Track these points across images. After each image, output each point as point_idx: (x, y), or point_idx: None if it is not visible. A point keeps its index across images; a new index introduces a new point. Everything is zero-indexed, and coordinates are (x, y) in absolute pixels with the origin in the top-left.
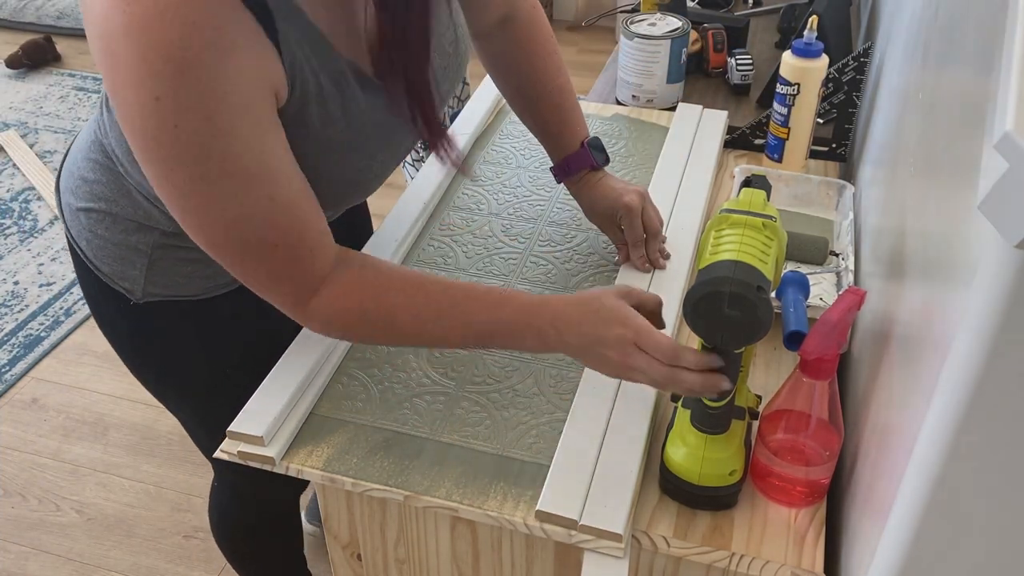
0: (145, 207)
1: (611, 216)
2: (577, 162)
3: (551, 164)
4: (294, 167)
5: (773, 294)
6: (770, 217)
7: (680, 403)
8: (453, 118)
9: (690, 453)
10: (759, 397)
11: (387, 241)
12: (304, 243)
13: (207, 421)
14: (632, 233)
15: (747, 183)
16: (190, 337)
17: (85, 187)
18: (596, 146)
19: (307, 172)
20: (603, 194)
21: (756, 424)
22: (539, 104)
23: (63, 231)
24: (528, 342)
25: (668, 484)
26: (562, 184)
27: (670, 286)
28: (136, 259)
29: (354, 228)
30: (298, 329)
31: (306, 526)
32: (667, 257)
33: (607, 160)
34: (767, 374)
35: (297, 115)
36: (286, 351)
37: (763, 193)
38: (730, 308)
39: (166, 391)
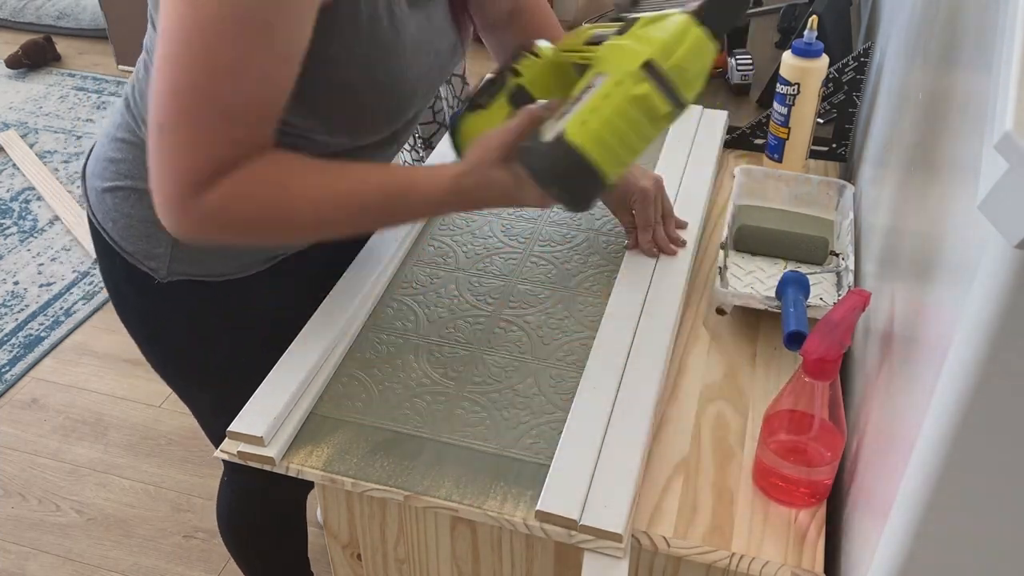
0: None
1: (624, 199)
2: None
3: None
4: (300, 60)
5: (773, 293)
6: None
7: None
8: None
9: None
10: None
11: (387, 241)
12: (256, 129)
13: (225, 407)
14: (643, 217)
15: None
16: (214, 318)
17: (112, 167)
18: None
19: (348, 71)
20: None
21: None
22: None
23: (63, 232)
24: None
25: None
26: None
27: (673, 281)
28: (162, 236)
29: None
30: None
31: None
32: (682, 244)
33: None
34: (767, 374)
35: (348, 5)
36: (286, 351)
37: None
38: (553, 187)
39: (185, 376)
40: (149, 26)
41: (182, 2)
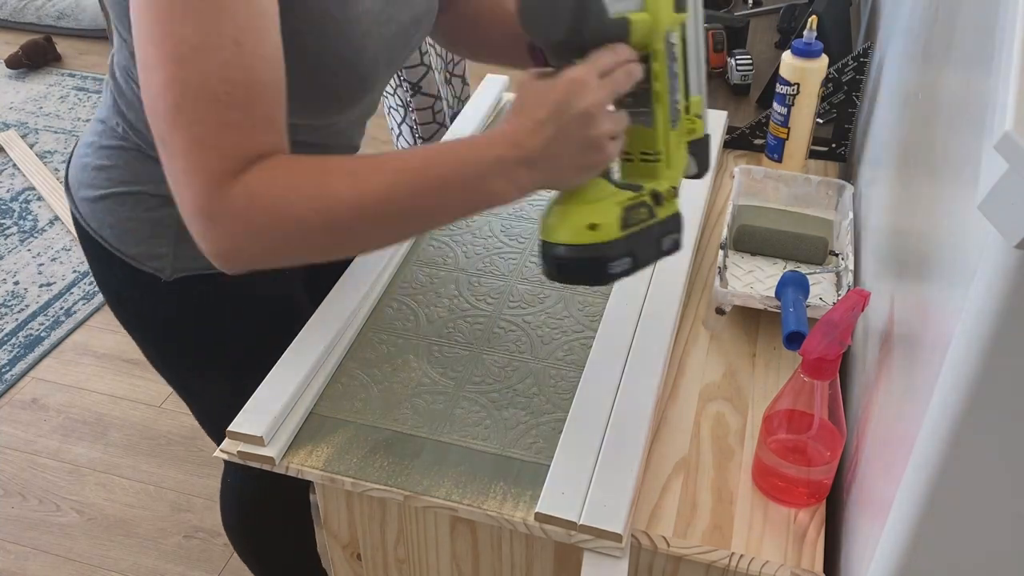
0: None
1: None
2: None
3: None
4: (276, 32)
5: (773, 293)
6: None
7: None
8: (453, 118)
9: (551, 210)
10: (676, 190)
11: None
12: (252, 112)
13: (236, 403)
14: None
15: None
16: (222, 309)
17: (103, 175)
18: None
19: (305, 42)
20: None
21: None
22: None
23: (63, 232)
24: (492, 172)
25: (541, 259)
26: None
27: (672, 280)
28: (164, 234)
29: None
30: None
31: None
32: None
33: None
34: (767, 374)
35: None
36: (286, 351)
37: None
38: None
39: (200, 372)
40: (116, 38)
41: (135, 3)
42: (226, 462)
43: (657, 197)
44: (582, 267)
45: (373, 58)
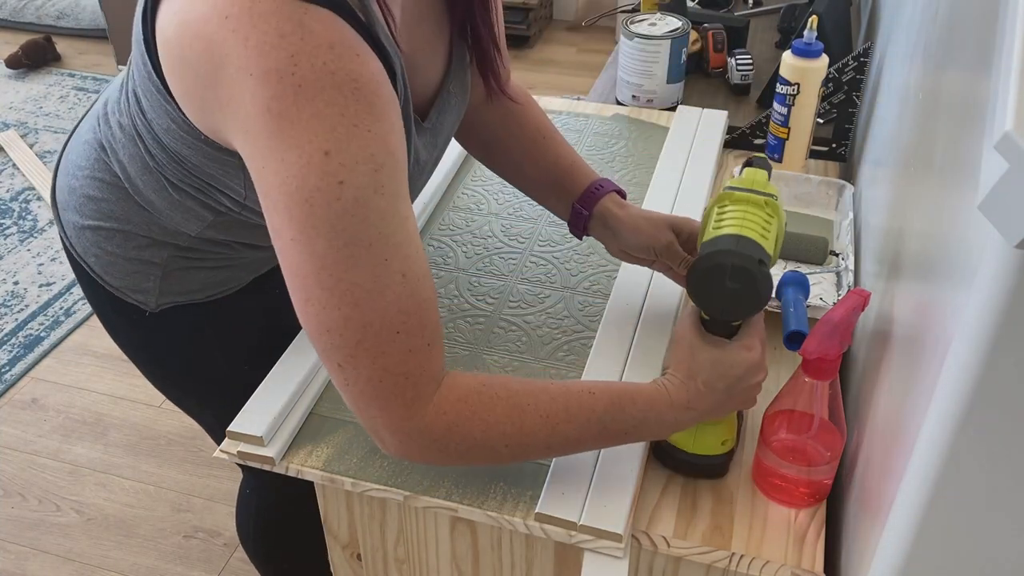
0: (160, 223)
1: (646, 252)
2: (602, 188)
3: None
4: (422, 248)
5: (773, 293)
6: (771, 195)
7: None
8: None
9: None
10: None
11: None
12: (425, 332)
13: (227, 420)
14: (674, 261)
15: (748, 163)
16: (207, 337)
17: (91, 205)
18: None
19: None
20: (635, 229)
21: None
22: (555, 149)
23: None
24: (664, 429)
25: (662, 453)
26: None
27: (672, 285)
28: (150, 272)
29: None
30: None
31: None
32: None
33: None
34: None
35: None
36: (286, 351)
37: (765, 173)
38: (732, 280)
39: (186, 395)
40: (132, 72)
41: (306, 249)
42: (244, 472)
43: None
44: (712, 469)
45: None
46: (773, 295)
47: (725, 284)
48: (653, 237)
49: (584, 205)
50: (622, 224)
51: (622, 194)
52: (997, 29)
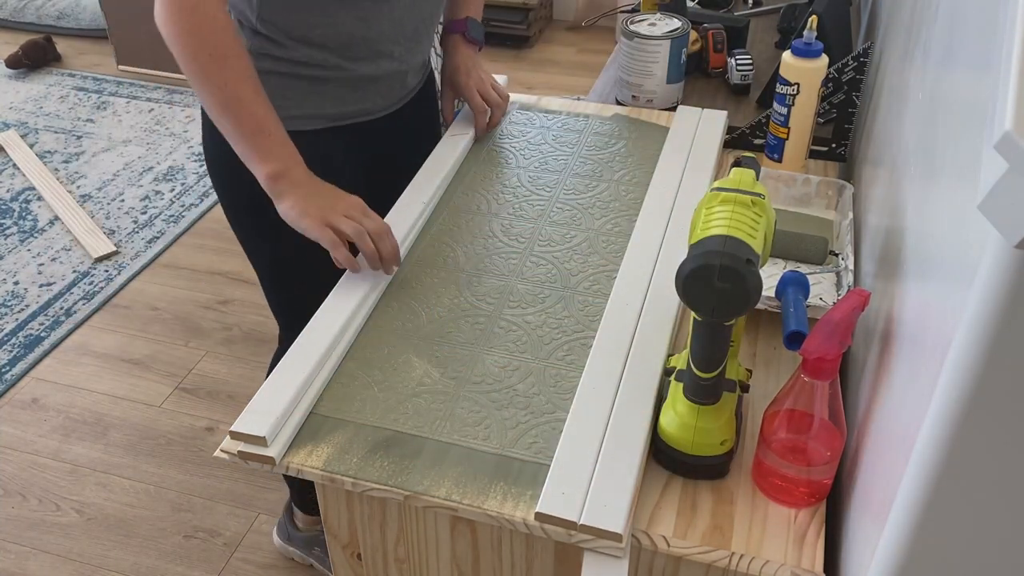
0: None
1: (455, 87)
2: (453, 27)
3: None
4: None
5: (773, 293)
6: (759, 195)
7: (673, 376)
8: (455, 116)
9: (682, 423)
10: (750, 371)
11: None
12: None
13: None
14: (473, 104)
15: (737, 163)
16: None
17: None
18: (475, 25)
19: None
20: (455, 67)
21: (746, 396)
22: None
23: (63, 232)
24: (261, 167)
25: (662, 454)
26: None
27: (671, 280)
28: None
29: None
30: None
31: (275, 541)
32: (505, 99)
33: (480, 44)
34: (767, 374)
35: None
36: (286, 351)
37: (752, 172)
38: (720, 280)
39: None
40: None
41: None
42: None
43: (745, 387)
44: (712, 469)
45: None
46: (773, 295)
47: (714, 284)
48: (454, 76)
49: (447, 30)
50: (453, 59)
51: (475, 43)
52: (997, 29)
